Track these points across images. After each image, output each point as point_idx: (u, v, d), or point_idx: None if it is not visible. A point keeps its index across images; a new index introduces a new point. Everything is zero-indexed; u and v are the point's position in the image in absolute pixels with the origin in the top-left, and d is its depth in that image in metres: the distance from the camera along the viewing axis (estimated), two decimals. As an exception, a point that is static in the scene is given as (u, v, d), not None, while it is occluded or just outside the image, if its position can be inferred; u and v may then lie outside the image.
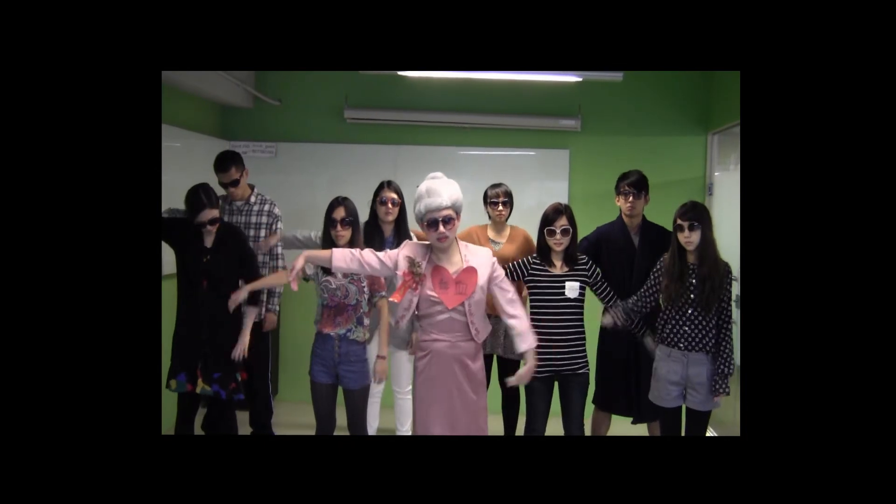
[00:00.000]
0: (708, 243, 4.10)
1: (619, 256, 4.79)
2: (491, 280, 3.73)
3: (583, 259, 4.48)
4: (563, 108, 6.48)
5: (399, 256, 3.69)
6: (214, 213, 4.26)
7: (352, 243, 4.24)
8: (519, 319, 3.78)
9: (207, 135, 6.22)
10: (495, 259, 3.81)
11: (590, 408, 4.97)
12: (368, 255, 3.73)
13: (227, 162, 5.03)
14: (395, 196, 4.92)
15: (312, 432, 4.48)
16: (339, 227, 4.24)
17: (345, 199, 4.36)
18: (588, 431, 4.94)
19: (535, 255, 4.50)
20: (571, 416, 4.40)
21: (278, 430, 5.35)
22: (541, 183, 6.59)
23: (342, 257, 3.71)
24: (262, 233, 5.03)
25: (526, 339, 3.78)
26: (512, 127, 6.56)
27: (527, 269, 4.44)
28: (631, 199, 4.85)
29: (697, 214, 4.10)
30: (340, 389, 4.37)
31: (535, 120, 6.50)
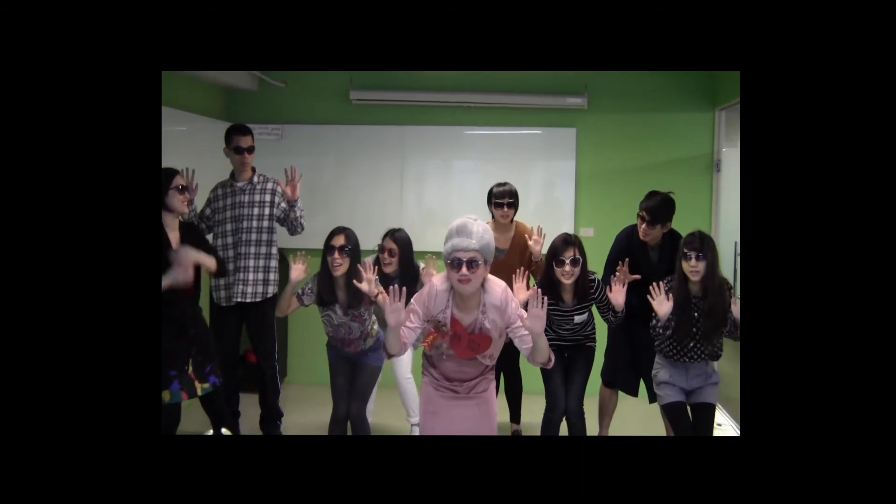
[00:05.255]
0: (713, 275, 3.95)
1: (636, 266, 4.51)
2: (508, 328, 3.41)
3: (592, 284, 4.30)
4: (570, 86, 6.42)
5: (425, 303, 3.41)
6: (181, 179, 4.11)
7: (350, 273, 4.17)
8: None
9: (212, 118, 6.21)
10: (513, 302, 3.42)
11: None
12: (408, 332, 3.39)
13: (245, 127, 5.08)
14: (393, 246, 4.72)
15: (322, 414, 4.56)
16: (336, 255, 4.16)
17: (345, 228, 4.29)
18: (595, 408, 5.04)
19: (535, 284, 4.25)
20: (572, 386, 4.44)
21: (287, 412, 5.41)
22: (547, 162, 6.56)
23: (405, 342, 3.39)
24: (267, 211, 5.04)
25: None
26: (518, 105, 6.51)
27: None
28: (645, 226, 4.60)
29: (705, 245, 3.94)
30: None
31: (542, 98, 6.45)
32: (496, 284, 3.41)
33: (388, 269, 4.72)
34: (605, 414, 5.05)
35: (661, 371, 4.22)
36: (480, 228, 3.26)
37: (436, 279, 3.44)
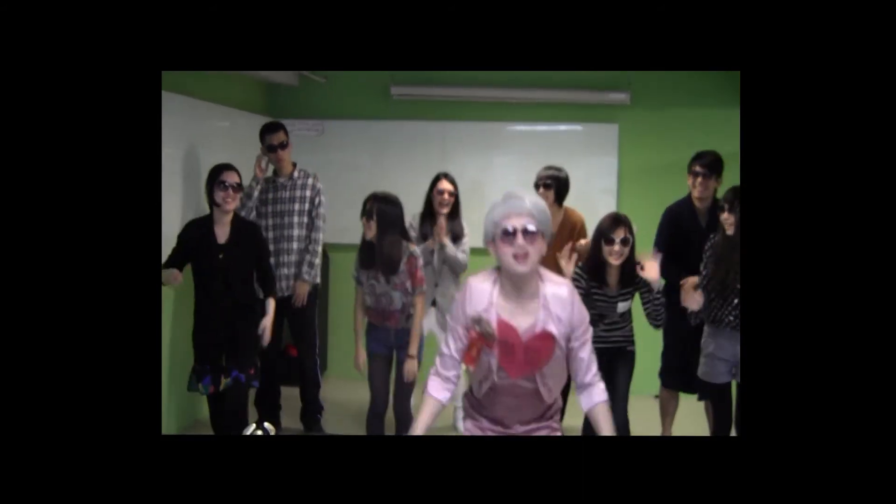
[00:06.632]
0: None
1: (686, 240, 4.50)
2: (571, 339, 2.75)
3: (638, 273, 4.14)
4: (612, 81, 6.30)
5: (463, 308, 2.72)
6: (234, 175, 4.37)
7: (381, 238, 4.24)
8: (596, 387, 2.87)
9: (254, 113, 6.28)
10: (578, 301, 2.77)
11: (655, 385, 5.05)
12: (444, 369, 2.80)
13: (276, 124, 5.21)
14: (451, 187, 4.97)
15: (361, 408, 4.60)
16: (365, 219, 4.30)
17: (375, 196, 4.39)
18: (658, 410, 5.02)
19: (579, 266, 4.14)
20: (617, 394, 4.27)
21: (327, 407, 5.47)
22: (589, 159, 6.44)
23: (437, 387, 2.81)
24: (307, 206, 5.12)
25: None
26: (559, 101, 6.44)
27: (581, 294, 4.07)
28: (701, 179, 4.59)
29: (737, 199, 3.88)
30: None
31: (583, 94, 6.36)
32: (556, 276, 2.79)
33: (445, 210, 4.99)
34: (667, 414, 5.00)
35: (708, 341, 4.15)
36: (532, 195, 2.66)
37: (471, 278, 2.77)
